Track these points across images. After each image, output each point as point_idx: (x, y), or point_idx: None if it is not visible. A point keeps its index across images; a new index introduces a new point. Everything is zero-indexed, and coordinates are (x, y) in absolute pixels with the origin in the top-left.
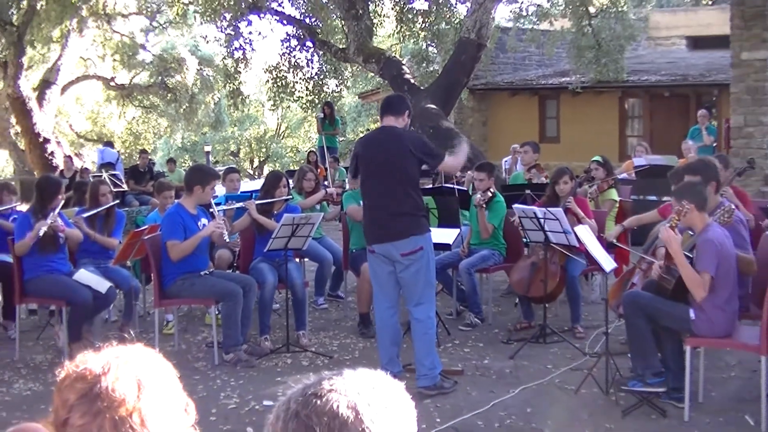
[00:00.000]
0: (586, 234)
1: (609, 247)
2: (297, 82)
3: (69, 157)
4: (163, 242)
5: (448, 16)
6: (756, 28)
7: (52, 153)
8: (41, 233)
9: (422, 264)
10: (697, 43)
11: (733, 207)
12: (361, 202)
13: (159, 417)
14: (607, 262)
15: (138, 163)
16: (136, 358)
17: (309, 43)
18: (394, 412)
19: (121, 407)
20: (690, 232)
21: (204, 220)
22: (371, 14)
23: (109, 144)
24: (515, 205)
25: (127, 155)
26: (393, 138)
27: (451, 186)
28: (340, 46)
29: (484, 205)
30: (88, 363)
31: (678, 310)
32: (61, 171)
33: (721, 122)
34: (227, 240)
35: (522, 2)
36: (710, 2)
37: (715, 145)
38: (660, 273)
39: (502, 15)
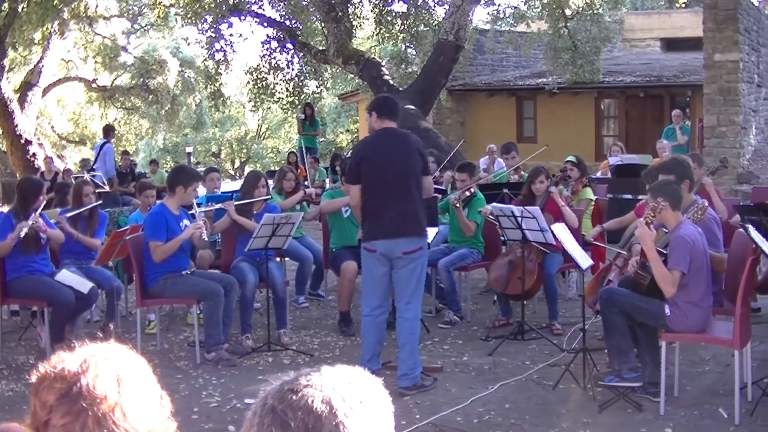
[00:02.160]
0: (562, 232)
1: (585, 244)
2: (277, 84)
3: (50, 158)
4: (146, 242)
5: (426, 18)
6: (728, 30)
7: (34, 155)
8: (22, 234)
9: (419, 264)
10: (671, 45)
11: (707, 205)
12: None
13: (140, 410)
14: (584, 260)
15: (119, 164)
16: (112, 354)
17: (289, 45)
18: (369, 407)
19: (103, 404)
20: (664, 230)
21: (186, 221)
22: (351, 16)
23: (110, 129)
24: (493, 204)
25: None
26: (401, 139)
27: None
28: (320, 48)
29: (458, 205)
30: (65, 363)
31: (653, 306)
32: (42, 172)
33: (695, 122)
34: (206, 239)
35: (499, 5)
36: (684, 5)
37: (688, 144)
38: (635, 270)
39: (479, 17)
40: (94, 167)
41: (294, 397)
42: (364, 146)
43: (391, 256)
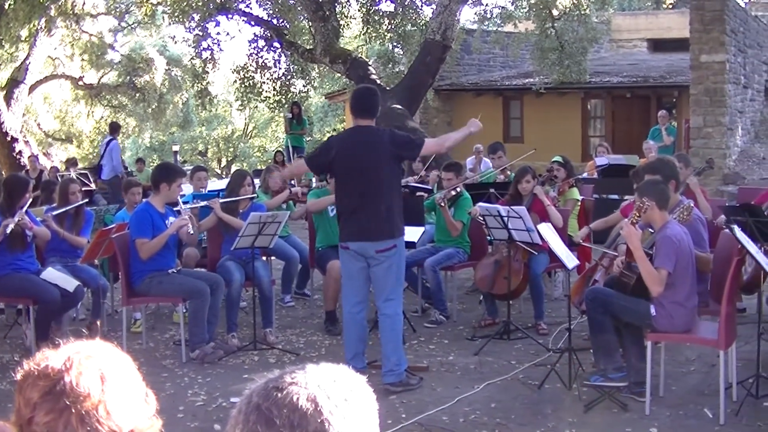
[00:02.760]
0: (548, 232)
1: (571, 244)
2: (264, 83)
3: (35, 156)
4: (132, 240)
5: (413, 18)
6: (714, 31)
7: (20, 152)
8: (8, 231)
9: (395, 260)
10: (657, 45)
11: (692, 205)
12: (336, 200)
13: (124, 408)
14: (570, 260)
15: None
16: (96, 351)
17: (276, 44)
18: (354, 404)
19: (86, 401)
20: (650, 230)
21: (172, 219)
22: (338, 16)
23: (117, 126)
24: (479, 204)
25: (95, 155)
26: (372, 138)
27: (416, 185)
28: (308, 47)
29: (443, 205)
30: (49, 360)
31: (639, 306)
32: (27, 170)
33: (681, 123)
34: (192, 233)
35: (486, 5)
36: (671, 6)
37: (674, 145)
38: (621, 270)
39: (467, 17)
40: (101, 164)
41: (279, 395)
42: (336, 143)
43: (366, 254)
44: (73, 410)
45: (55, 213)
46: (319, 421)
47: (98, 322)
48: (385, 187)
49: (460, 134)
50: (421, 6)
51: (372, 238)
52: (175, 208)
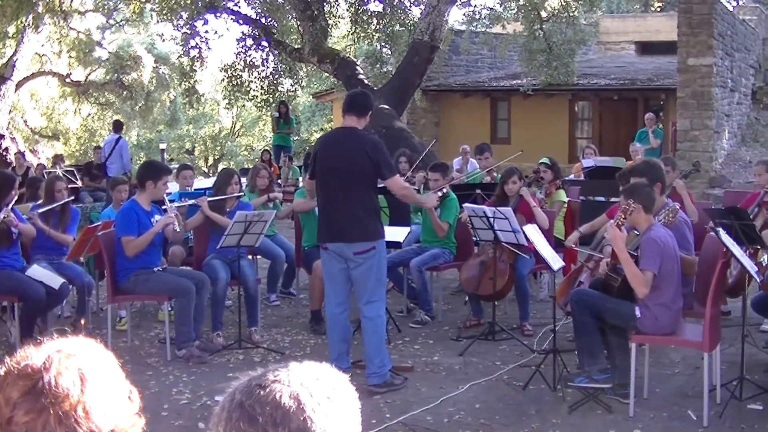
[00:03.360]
0: (534, 233)
1: (557, 246)
2: (252, 81)
3: (21, 153)
4: (117, 238)
5: (402, 18)
6: (702, 34)
7: (6, 149)
8: None
9: (374, 262)
10: (645, 48)
11: (678, 208)
12: (317, 200)
13: (104, 407)
14: (555, 261)
15: (93, 160)
16: (77, 350)
17: (264, 43)
18: (337, 402)
19: (65, 402)
20: (636, 232)
21: (158, 217)
22: (326, 15)
23: (121, 124)
24: (465, 205)
25: (81, 152)
26: (352, 139)
27: None
28: (296, 46)
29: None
30: (30, 359)
31: (624, 308)
32: (13, 167)
33: (668, 126)
34: (178, 230)
35: (475, 6)
36: (659, 9)
37: (661, 147)
38: (606, 272)
39: (455, 18)
40: (106, 162)
41: (262, 393)
42: (319, 142)
43: (344, 256)
44: (51, 411)
45: (41, 210)
46: (301, 418)
47: (83, 320)
48: (361, 188)
49: (420, 199)
50: (410, 6)
51: (346, 239)
52: (162, 207)
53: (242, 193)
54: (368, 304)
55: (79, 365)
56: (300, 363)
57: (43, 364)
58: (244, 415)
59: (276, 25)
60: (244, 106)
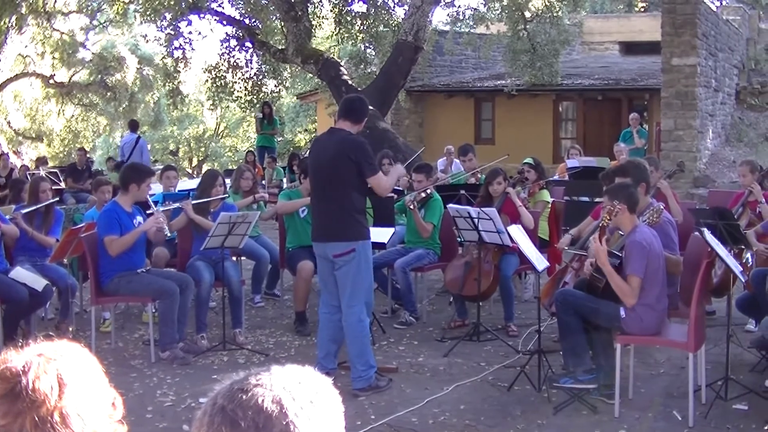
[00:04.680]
0: (518, 234)
1: (541, 246)
2: (236, 82)
3: (5, 154)
4: (100, 239)
5: (386, 18)
6: (686, 35)
7: None
8: None
9: (352, 266)
10: (629, 48)
11: (662, 207)
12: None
13: (82, 414)
14: (540, 262)
15: (76, 161)
16: (59, 354)
17: (248, 44)
18: (319, 406)
19: (42, 406)
20: (620, 232)
21: (140, 218)
22: (310, 16)
23: (137, 123)
24: (450, 205)
25: (65, 153)
26: (336, 140)
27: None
28: (279, 47)
29: (412, 207)
30: (9, 362)
31: (609, 308)
32: None
33: (652, 126)
34: (168, 235)
35: (459, 6)
36: (643, 9)
37: (645, 147)
38: (591, 272)
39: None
40: (123, 161)
41: (244, 397)
42: (313, 143)
43: (327, 257)
44: (28, 415)
45: (24, 211)
46: (284, 423)
47: (67, 322)
48: (342, 189)
49: (392, 178)
50: (394, 7)
51: (324, 238)
52: (147, 211)
53: (227, 195)
54: (348, 308)
55: (59, 370)
56: (282, 366)
57: (22, 368)
58: (226, 419)
59: (260, 25)
60: (228, 107)
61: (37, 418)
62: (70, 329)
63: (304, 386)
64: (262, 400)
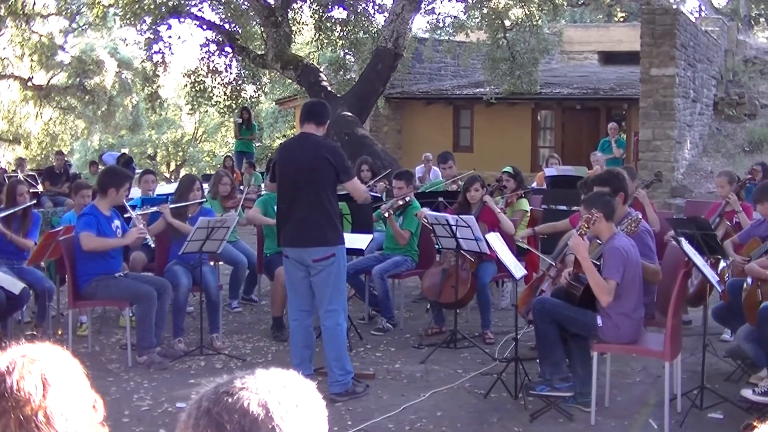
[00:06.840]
0: (496, 241)
1: (519, 254)
2: (215, 87)
3: None
4: (77, 235)
5: (365, 25)
6: (665, 45)
7: None
8: None
9: (332, 270)
10: (608, 58)
11: (640, 217)
12: (276, 206)
13: (66, 415)
14: (517, 269)
15: (54, 164)
16: (43, 356)
17: (228, 49)
18: (304, 410)
19: (26, 406)
20: (598, 241)
21: (117, 222)
22: (290, 22)
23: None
24: (428, 212)
25: (43, 156)
26: (311, 145)
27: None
28: (259, 53)
29: (387, 215)
30: None
31: (585, 317)
32: None
33: (630, 135)
34: (152, 245)
35: (439, 14)
36: (622, 19)
37: (623, 157)
38: (568, 280)
39: (419, 26)
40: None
41: (230, 400)
42: (280, 148)
43: (304, 262)
44: (12, 415)
45: (2, 214)
46: (270, 426)
47: (44, 326)
48: (321, 193)
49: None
50: (374, 14)
51: (305, 243)
52: (125, 215)
53: (204, 199)
54: (327, 312)
55: (43, 370)
56: (267, 370)
57: (6, 368)
58: (211, 422)
59: (239, 30)
60: (206, 111)
61: (21, 418)
62: (47, 333)
63: (289, 390)
64: (248, 404)
